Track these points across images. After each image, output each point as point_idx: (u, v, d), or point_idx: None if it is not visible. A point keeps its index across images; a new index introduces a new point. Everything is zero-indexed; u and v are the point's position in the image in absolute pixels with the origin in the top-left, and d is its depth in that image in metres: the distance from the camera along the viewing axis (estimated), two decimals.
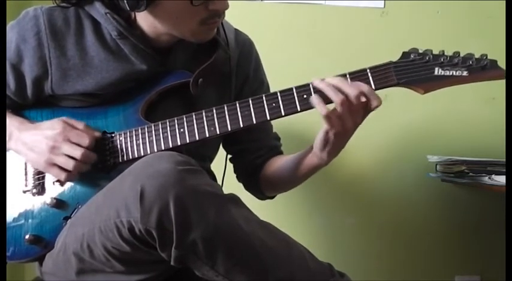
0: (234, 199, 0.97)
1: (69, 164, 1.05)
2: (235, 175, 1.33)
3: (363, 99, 0.99)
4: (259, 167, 1.26)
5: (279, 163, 1.24)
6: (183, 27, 1.06)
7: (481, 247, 1.78)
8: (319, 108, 0.99)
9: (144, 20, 1.07)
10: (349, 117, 0.99)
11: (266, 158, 1.27)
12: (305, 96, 1.02)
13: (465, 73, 1.00)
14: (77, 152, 1.05)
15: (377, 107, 1.00)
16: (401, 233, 1.79)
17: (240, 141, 1.26)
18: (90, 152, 1.07)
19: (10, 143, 1.11)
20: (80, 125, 1.09)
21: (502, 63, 1.03)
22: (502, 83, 1.03)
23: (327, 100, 0.99)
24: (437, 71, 1.01)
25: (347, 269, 1.05)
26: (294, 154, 1.19)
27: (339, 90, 0.98)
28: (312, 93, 1.02)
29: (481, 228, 1.79)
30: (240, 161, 1.30)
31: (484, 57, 1.00)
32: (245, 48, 1.25)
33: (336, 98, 0.98)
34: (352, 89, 0.98)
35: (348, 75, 1.02)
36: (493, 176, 1.42)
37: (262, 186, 1.27)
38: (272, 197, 1.33)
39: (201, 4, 1.01)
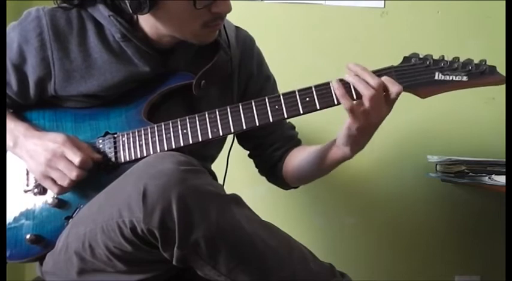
0: (236, 199, 0.98)
1: (63, 181, 1.06)
2: (257, 169, 1.33)
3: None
4: (279, 159, 1.26)
5: (301, 157, 1.22)
6: (186, 29, 1.06)
7: (481, 247, 1.78)
8: (343, 101, 0.99)
9: (146, 22, 1.07)
10: (374, 111, 0.99)
11: (285, 150, 1.26)
12: (307, 99, 1.03)
13: (464, 78, 1.01)
14: (72, 173, 1.05)
15: (398, 93, 0.99)
16: (401, 233, 1.79)
17: (254, 136, 1.26)
18: (84, 171, 1.06)
19: (15, 150, 1.10)
20: (82, 144, 1.09)
21: (501, 64, 1.03)
22: None
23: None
24: (438, 76, 1.01)
25: (347, 269, 1.05)
26: (317, 146, 1.18)
27: (366, 82, 0.98)
28: (315, 96, 1.02)
29: (481, 228, 1.79)
30: (258, 155, 1.30)
31: (483, 63, 1.01)
32: (246, 45, 1.25)
33: (366, 91, 0.97)
34: (375, 80, 0.98)
35: None
36: (493, 176, 1.42)
37: (286, 178, 1.26)
38: (296, 187, 1.32)
39: (204, 7, 1.00)
